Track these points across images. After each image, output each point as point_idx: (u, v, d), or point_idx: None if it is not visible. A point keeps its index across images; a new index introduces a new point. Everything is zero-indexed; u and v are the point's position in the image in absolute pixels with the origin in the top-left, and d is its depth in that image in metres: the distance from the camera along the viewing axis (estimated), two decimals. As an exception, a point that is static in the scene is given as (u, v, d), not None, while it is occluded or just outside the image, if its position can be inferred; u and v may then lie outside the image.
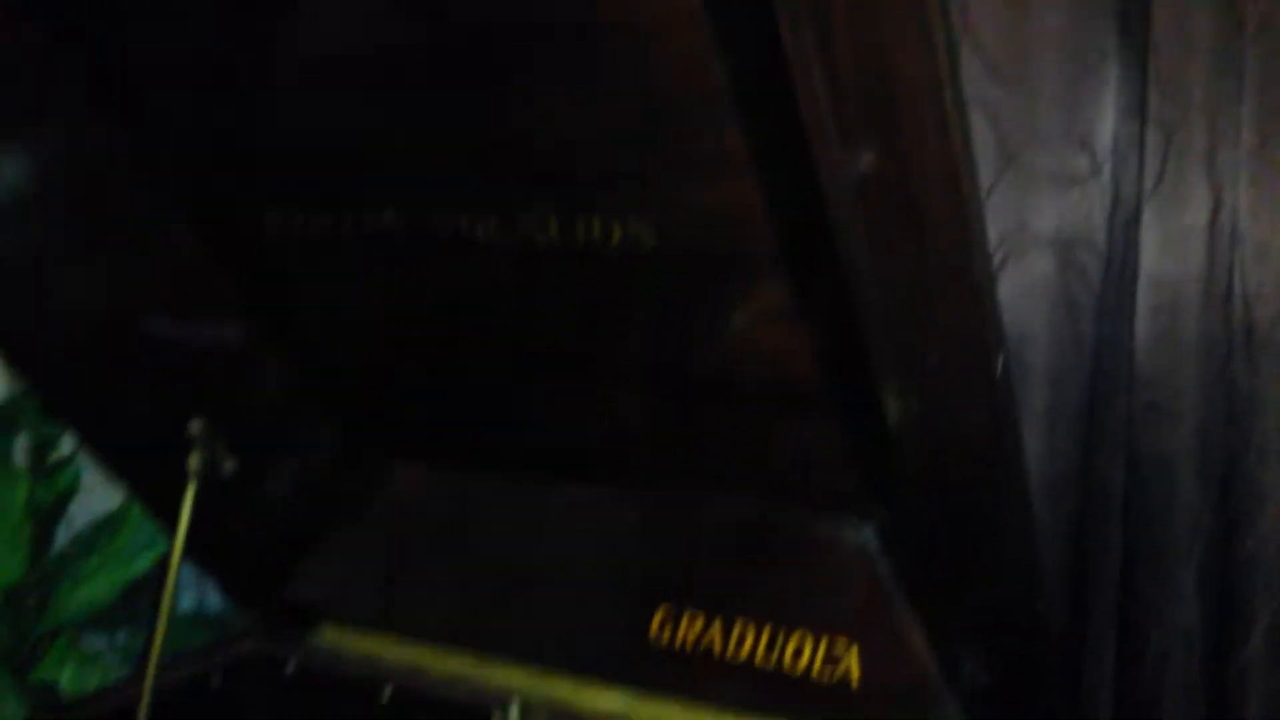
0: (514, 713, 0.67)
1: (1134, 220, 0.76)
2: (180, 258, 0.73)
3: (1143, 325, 0.76)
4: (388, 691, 0.81)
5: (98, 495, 1.11)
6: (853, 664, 0.64)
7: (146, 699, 0.73)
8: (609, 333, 0.60)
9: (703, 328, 0.56)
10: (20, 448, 1.07)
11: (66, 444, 1.07)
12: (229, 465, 0.79)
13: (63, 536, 1.09)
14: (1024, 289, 0.78)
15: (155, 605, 0.76)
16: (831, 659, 0.65)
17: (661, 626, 0.71)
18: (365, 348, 0.75)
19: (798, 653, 0.66)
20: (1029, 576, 0.58)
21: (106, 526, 1.01)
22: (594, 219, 0.52)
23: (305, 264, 0.69)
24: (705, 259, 0.52)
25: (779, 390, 0.56)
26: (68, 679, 0.94)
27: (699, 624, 0.69)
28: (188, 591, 1.16)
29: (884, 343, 0.46)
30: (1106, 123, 0.79)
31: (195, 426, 0.77)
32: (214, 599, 1.11)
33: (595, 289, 0.57)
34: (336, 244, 0.64)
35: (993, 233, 0.79)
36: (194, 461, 0.77)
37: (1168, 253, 0.75)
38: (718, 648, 0.69)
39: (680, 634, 0.70)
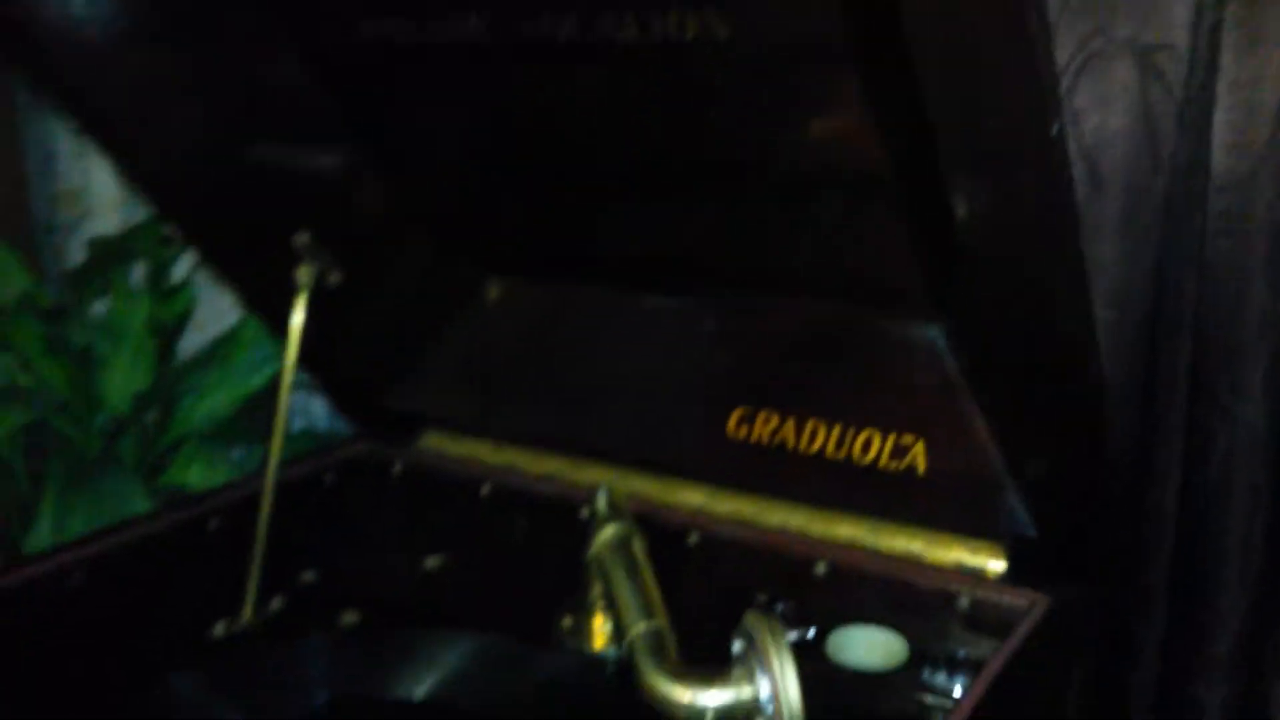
0: (601, 503, 0.72)
1: (1217, 26, 0.75)
2: (284, 79, 0.78)
3: (1220, 133, 0.76)
4: (486, 488, 0.88)
5: (211, 321, 1.20)
6: (919, 456, 0.68)
7: (269, 491, 0.80)
8: (686, 134, 0.63)
9: (777, 121, 0.58)
10: (138, 274, 1.15)
11: (180, 271, 1.15)
12: (334, 277, 0.85)
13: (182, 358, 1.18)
14: (1102, 96, 0.78)
15: (272, 415, 0.83)
16: (899, 452, 0.69)
17: (738, 426, 0.75)
18: (456, 163, 0.78)
19: (866, 446, 0.70)
20: (1088, 374, 0.61)
21: (223, 345, 1.09)
22: (670, 13, 0.54)
23: (398, 79, 0.73)
24: (779, 49, 0.54)
25: (851, 185, 0.59)
26: (193, 482, 1.02)
27: (773, 423, 0.74)
28: (298, 417, 1.24)
29: (951, 126, 0.48)
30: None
31: (301, 239, 0.82)
32: (322, 419, 1.20)
33: (672, 88, 0.59)
34: (425, 56, 0.68)
35: (1071, 38, 0.79)
36: (302, 273, 0.84)
37: (1250, 58, 0.74)
38: (790, 444, 0.73)
39: (755, 432, 0.74)
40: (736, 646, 0.58)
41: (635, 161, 0.68)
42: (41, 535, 0.97)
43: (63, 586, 0.74)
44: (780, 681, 0.55)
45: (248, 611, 0.78)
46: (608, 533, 0.69)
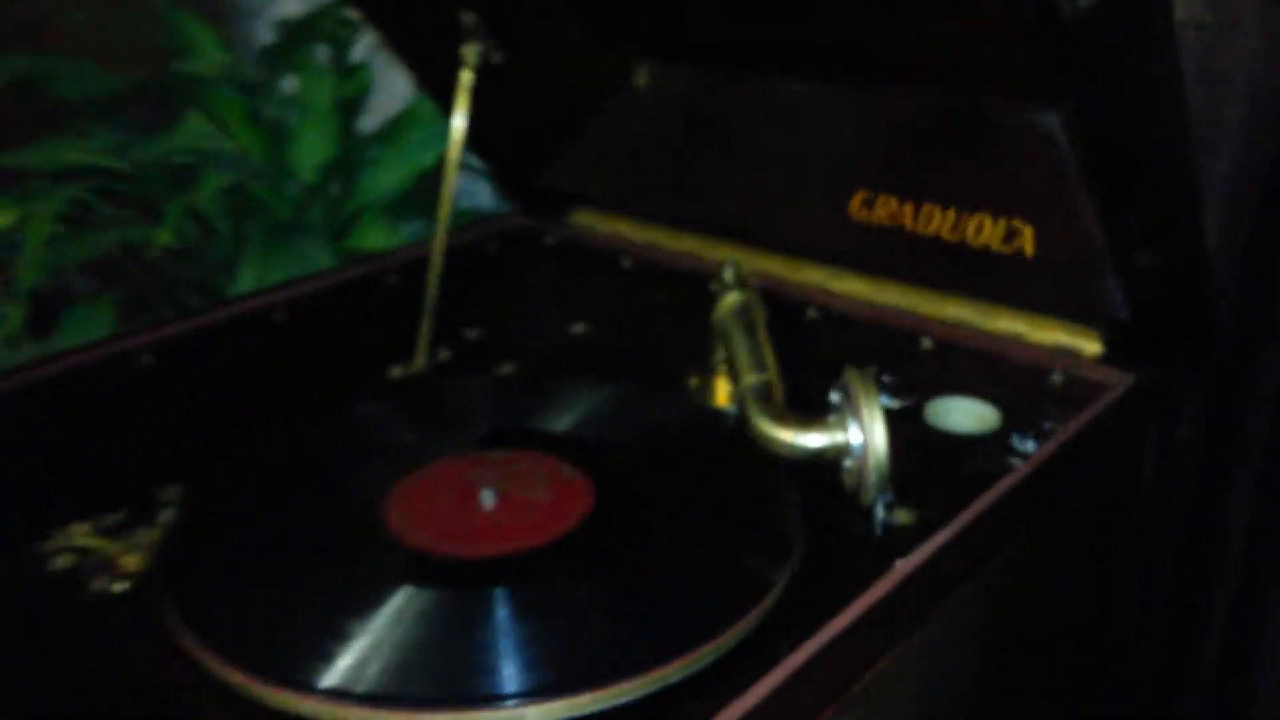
0: (728, 275, 0.79)
1: None
2: None
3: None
4: (628, 262, 0.96)
5: (386, 104, 1.29)
6: (1028, 241, 0.72)
7: (438, 253, 0.90)
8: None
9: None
10: (321, 54, 1.25)
11: (359, 52, 1.24)
12: (496, 56, 0.92)
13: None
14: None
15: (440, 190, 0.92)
16: (1009, 236, 0.73)
17: (860, 208, 0.80)
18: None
19: (978, 230, 0.74)
20: (1186, 168, 0.63)
21: (398, 124, 1.19)
22: None
23: None
24: None
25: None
26: (371, 247, 1.14)
27: (892, 206, 0.78)
28: (464, 198, 1.34)
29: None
30: None
31: (467, 18, 0.89)
32: (488, 202, 1.29)
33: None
34: None
35: None
36: (467, 51, 0.91)
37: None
38: (908, 227, 0.78)
39: (875, 215, 0.79)
40: (834, 397, 0.66)
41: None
42: (243, 285, 1.11)
43: (269, 322, 0.86)
44: (869, 428, 0.63)
45: (419, 358, 0.89)
46: (731, 300, 0.77)
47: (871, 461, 0.62)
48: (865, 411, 0.62)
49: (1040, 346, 0.73)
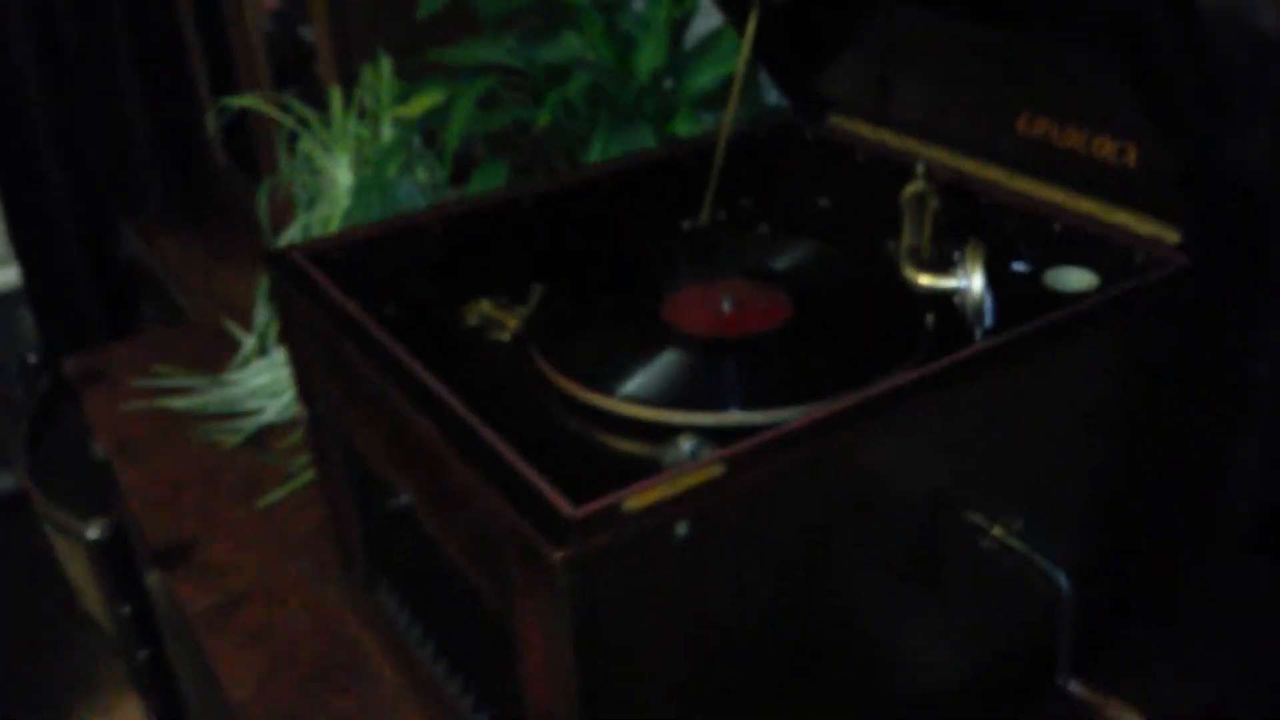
0: (919, 169, 1.09)
1: None
2: None
3: None
4: (861, 155, 1.27)
5: (709, 19, 1.63)
6: (1131, 156, 0.98)
7: (723, 137, 1.25)
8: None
9: None
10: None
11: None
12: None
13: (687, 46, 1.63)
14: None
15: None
16: (1121, 152, 0.99)
17: (1024, 125, 1.08)
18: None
19: (1101, 147, 0.99)
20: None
21: (712, 38, 1.53)
22: None
23: None
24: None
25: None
26: (683, 131, 1.51)
27: (1044, 125, 1.05)
28: (769, 92, 1.68)
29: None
30: None
31: (755, -24, 1.22)
32: (773, 97, 1.61)
33: None
34: None
35: None
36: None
37: None
38: (1055, 142, 1.04)
39: (1033, 130, 1.06)
40: (956, 256, 0.96)
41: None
42: (593, 157, 1.51)
43: (602, 188, 1.26)
44: (971, 278, 0.93)
45: (705, 215, 1.26)
46: (912, 188, 1.07)
47: (970, 300, 0.93)
48: (970, 267, 0.93)
49: (1136, 234, 0.99)
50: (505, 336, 1.01)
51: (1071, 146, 1.03)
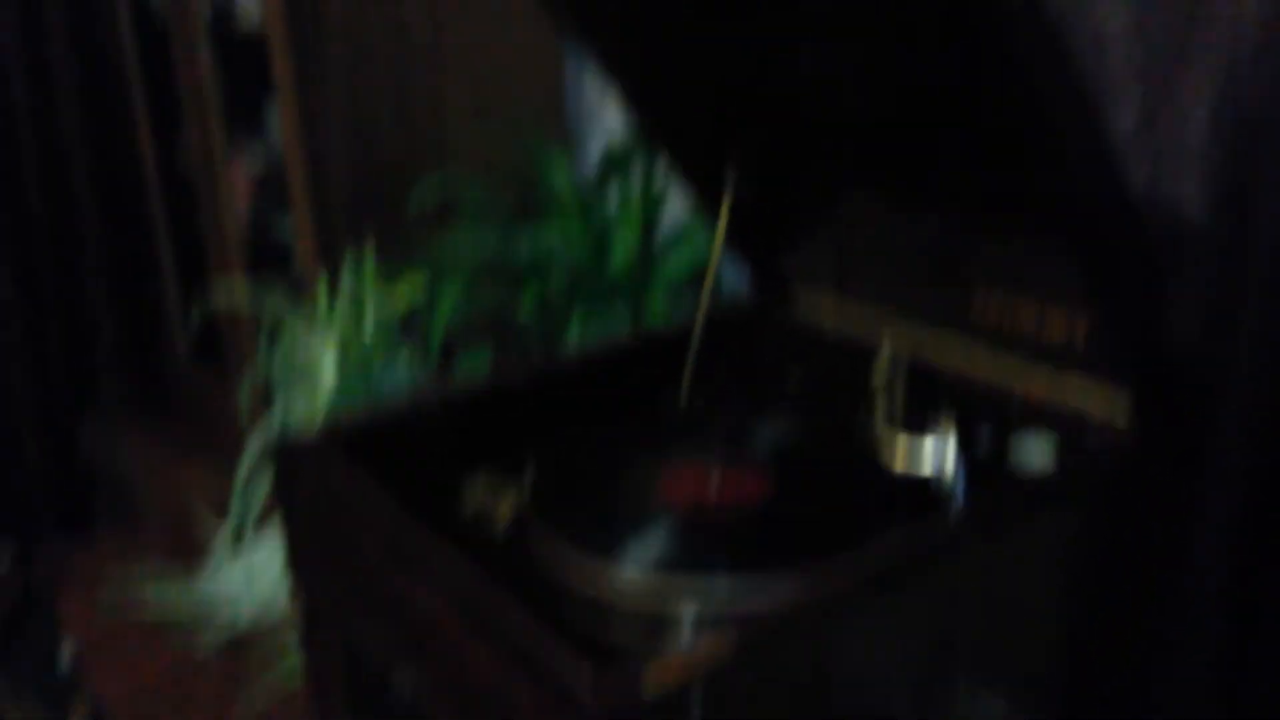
0: (885, 345, 1.17)
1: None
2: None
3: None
4: (828, 335, 1.36)
5: (677, 210, 1.74)
6: (1081, 333, 1.07)
7: (699, 324, 1.33)
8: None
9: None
10: (635, 176, 1.72)
11: (658, 177, 1.70)
12: (747, 193, 1.34)
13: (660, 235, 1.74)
14: None
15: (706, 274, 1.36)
16: (1072, 328, 1.07)
17: (978, 304, 1.17)
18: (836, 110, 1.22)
19: (1052, 322, 1.08)
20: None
21: (682, 232, 1.64)
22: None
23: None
24: None
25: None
26: (660, 313, 1.60)
27: (1000, 303, 1.15)
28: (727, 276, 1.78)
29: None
30: None
31: (729, 171, 1.32)
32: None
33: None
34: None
35: None
36: (728, 190, 1.33)
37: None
38: (1009, 320, 1.14)
39: (989, 310, 1.16)
40: (927, 432, 1.03)
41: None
42: (570, 339, 1.59)
43: (587, 372, 1.32)
44: (943, 451, 1.00)
45: (683, 396, 1.33)
46: (880, 367, 1.15)
47: (944, 475, 1.00)
48: (942, 443, 1.00)
49: (1089, 404, 1.07)
50: (504, 517, 1.05)
51: (1025, 321, 1.12)
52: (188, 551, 1.73)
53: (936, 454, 1.00)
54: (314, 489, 1.03)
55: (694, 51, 1.20)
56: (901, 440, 1.04)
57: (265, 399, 1.76)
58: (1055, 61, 0.82)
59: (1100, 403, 1.05)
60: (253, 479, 1.75)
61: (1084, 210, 0.91)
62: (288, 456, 1.08)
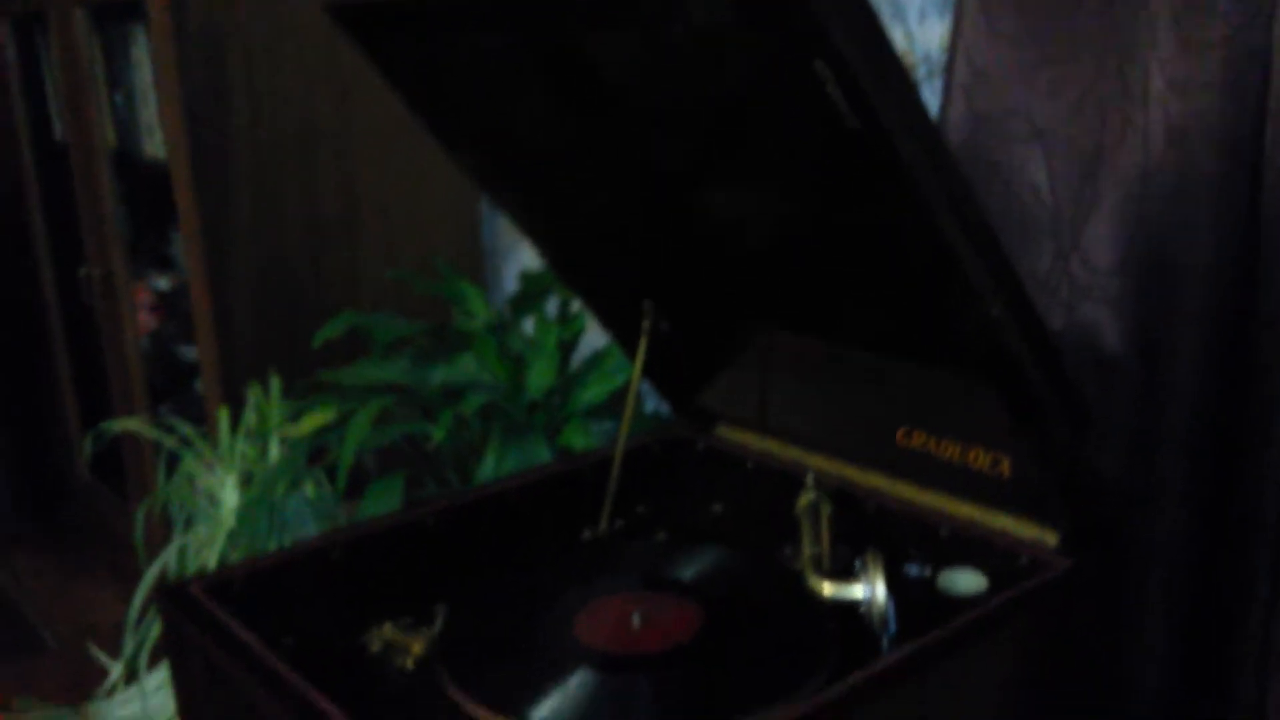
0: (809, 479, 1.15)
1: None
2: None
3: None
4: (751, 464, 1.33)
5: (595, 337, 1.73)
6: (1006, 466, 1.06)
7: (619, 452, 1.30)
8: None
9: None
10: (552, 305, 1.70)
11: (575, 303, 1.69)
12: (664, 326, 1.33)
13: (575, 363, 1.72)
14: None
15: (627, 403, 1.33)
16: (996, 463, 1.06)
17: (903, 438, 1.16)
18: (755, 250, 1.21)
19: (976, 458, 1.07)
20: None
21: (600, 357, 1.62)
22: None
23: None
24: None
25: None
26: (576, 443, 1.56)
27: (922, 438, 1.13)
28: (650, 401, 1.76)
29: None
30: None
31: (646, 305, 1.31)
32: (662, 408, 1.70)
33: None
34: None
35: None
36: (645, 324, 1.32)
37: None
38: (933, 452, 1.12)
39: (912, 443, 1.14)
40: (858, 565, 1.00)
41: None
42: (486, 471, 1.53)
43: (503, 502, 1.28)
44: (874, 588, 0.97)
45: (603, 526, 1.28)
46: (806, 498, 1.13)
47: (874, 609, 0.96)
48: (872, 576, 0.97)
49: (1019, 538, 1.06)
50: (409, 664, 0.98)
51: (949, 457, 1.11)
52: (85, 680, 1.62)
53: (867, 588, 0.97)
54: (202, 641, 0.96)
55: (604, 198, 1.20)
56: (828, 574, 1.01)
57: (166, 525, 1.68)
58: (963, 205, 0.82)
59: (1029, 531, 1.04)
60: (147, 613, 1.66)
61: (999, 351, 0.91)
62: (175, 603, 1.01)
